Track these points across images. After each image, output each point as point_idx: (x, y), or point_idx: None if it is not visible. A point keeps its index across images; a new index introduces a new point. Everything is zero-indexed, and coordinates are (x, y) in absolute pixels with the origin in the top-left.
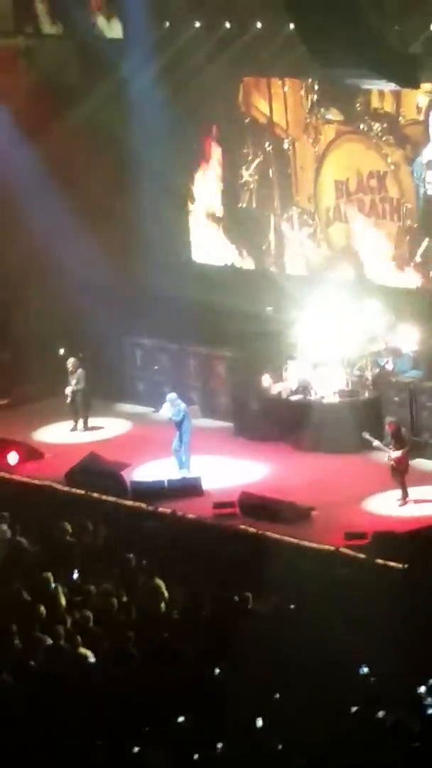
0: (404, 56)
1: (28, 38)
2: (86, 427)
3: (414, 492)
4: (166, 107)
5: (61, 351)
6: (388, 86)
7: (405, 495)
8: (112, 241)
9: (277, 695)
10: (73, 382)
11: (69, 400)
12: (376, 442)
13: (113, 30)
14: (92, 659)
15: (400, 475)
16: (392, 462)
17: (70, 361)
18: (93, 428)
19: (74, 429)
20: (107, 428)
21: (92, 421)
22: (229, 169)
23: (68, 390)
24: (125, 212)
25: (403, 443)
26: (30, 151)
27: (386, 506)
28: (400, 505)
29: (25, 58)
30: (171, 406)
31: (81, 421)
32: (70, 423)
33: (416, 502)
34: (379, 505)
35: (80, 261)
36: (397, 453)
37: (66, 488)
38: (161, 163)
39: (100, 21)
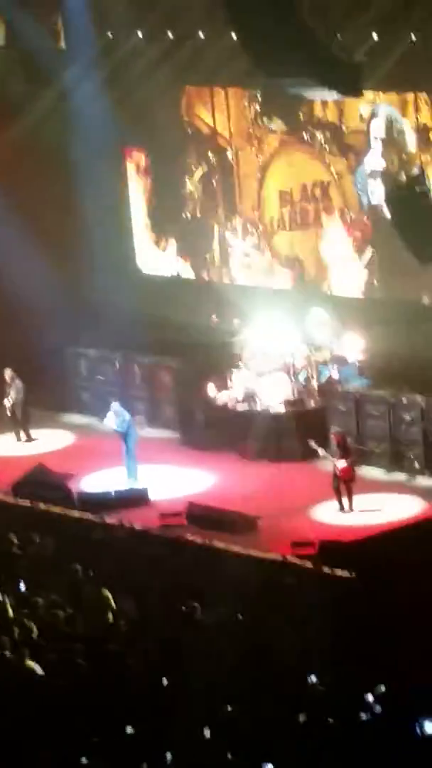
0: (347, 65)
1: None
2: (29, 438)
3: (360, 501)
4: (108, 118)
5: (7, 371)
6: (331, 95)
7: (350, 505)
8: (57, 253)
9: (227, 705)
10: (11, 394)
11: (9, 413)
12: (322, 452)
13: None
14: (39, 671)
15: (345, 484)
16: (338, 472)
17: (7, 373)
18: (36, 440)
19: (19, 440)
20: (53, 439)
21: (38, 433)
22: (165, 179)
23: (6, 402)
24: (69, 223)
25: (349, 453)
26: None
27: (333, 515)
28: (344, 513)
29: None
30: (115, 416)
31: (23, 433)
32: (13, 436)
33: (362, 511)
34: (325, 514)
35: (24, 273)
36: (343, 463)
37: (12, 500)
38: (104, 173)
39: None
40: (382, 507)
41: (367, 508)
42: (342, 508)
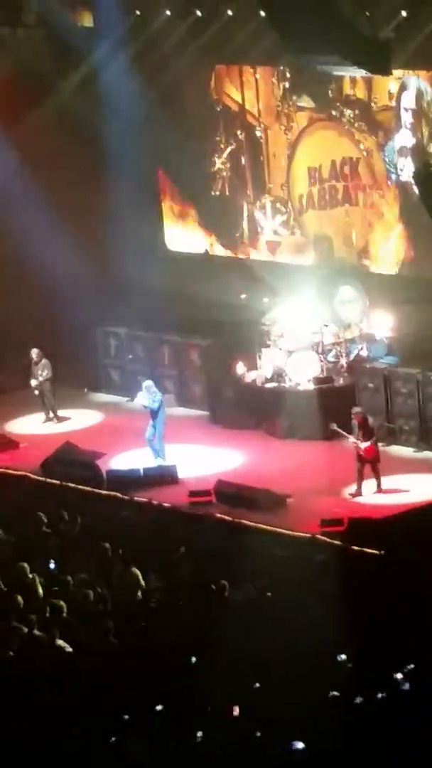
0: (375, 42)
1: (1, 28)
2: (57, 417)
3: (388, 481)
4: (138, 96)
5: (34, 351)
6: (359, 72)
7: (379, 485)
8: (86, 232)
9: (255, 683)
10: (38, 372)
11: (36, 392)
12: (344, 434)
13: (84, 18)
14: (69, 649)
15: (372, 464)
16: (361, 452)
17: (34, 352)
18: (66, 419)
19: (48, 420)
20: (82, 418)
21: (67, 412)
22: (193, 157)
23: (34, 382)
24: (98, 202)
25: (372, 433)
26: (2, 142)
27: (363, 493)
28: (375, 492)
29: None
30: (147, 394)
31: (51, 412)
32: (42, 415)
33: (389, 491)
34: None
35: (54, 251)
36: (366, 443)
37: (41, 478)
38: (134, 152)
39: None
40: (410, 487)
41: (395, 488)
42: (358, 492)
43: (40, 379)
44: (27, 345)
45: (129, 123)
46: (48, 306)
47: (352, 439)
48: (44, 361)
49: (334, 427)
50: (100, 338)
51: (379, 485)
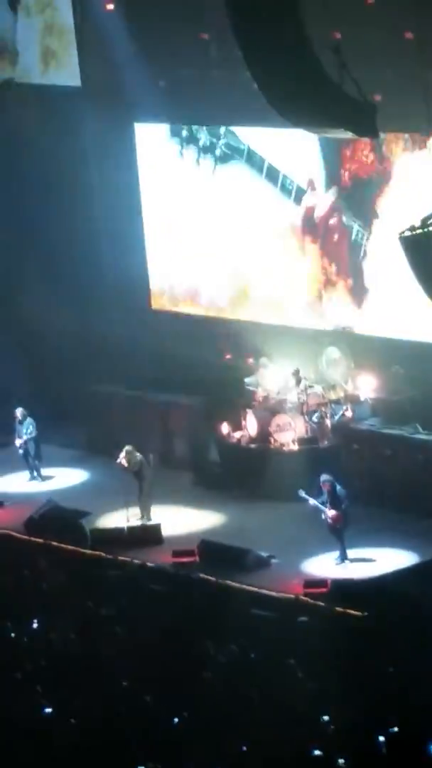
0: (362, 105)
1: None
2: (40, 475)
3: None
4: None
5: (18, 410)
6: (347, 135)
7: (343, 554)
8: (71, 291)
9: (239, 744)
10: (23, 431)
11: (21, 450)
12: (312, 501)
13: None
14: (49, 709)
15: (337, 532)
16: (329, 520)
17: (19, 411)
18: (51, 477)
19: (33, 479)
20: (67, 477)
21: (52, 470)
22: None
23: (18, 441)
24: (84, 259)
25: (339, 501)
26: None
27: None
28: (337, 565)
29: None
30: (127, 456)
31: (35, 470)
32: (27, 473)
33: (355, 561)
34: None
35: (38, 310)
36: (333, 512)
37: (25, 537)
38: (121, 210)
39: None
40: (374, 557)
41: (360, 558)
42: (344, 556)
43: (25, 437)
44: (11, 405)
45: (113, 183)
46: (33, 365)
47: (319, 506)
48: (29, 419)
49: (302, 494)
50: (84, 398)
51: (343, 554)
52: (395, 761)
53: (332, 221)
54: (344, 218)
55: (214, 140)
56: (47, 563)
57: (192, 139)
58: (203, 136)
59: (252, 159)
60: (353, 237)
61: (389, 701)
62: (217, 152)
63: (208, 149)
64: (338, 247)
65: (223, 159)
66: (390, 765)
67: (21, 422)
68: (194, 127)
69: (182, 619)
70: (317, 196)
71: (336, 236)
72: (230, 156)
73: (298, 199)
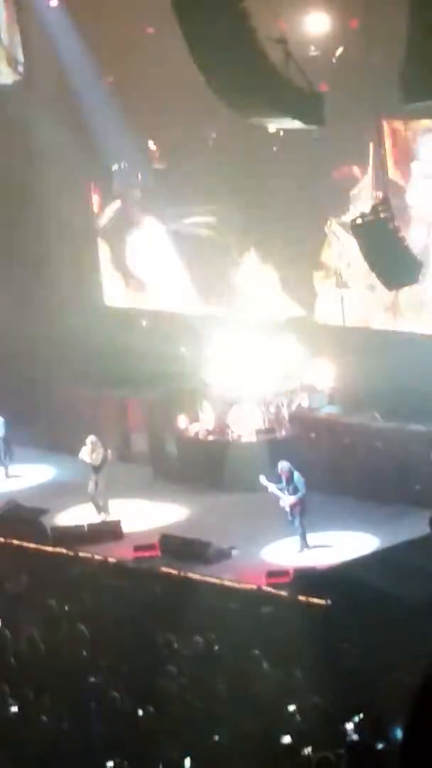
0: (309, 94)
1: None
2: (7, 476)
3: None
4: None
5: None
6: (294, 124)
7: (304, 542)
8: (26, 288)
9: (205, 735)
10: None
11: None
12: (271, 487)
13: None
14: (15, 708)
15: (297, 520)
16: (287, 507)
17: None
18: (17, 476)
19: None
20: (28, 475)
21: (15, 469)
22: None
23: None
24: (35, 257)
25: (296, 488)
26: None
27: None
28: (298, 552)
29: None
30: (91, 450)
31: (2, 469)
32: None
33: (318, 546)
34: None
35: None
36: (291, 498)
37: None
38: (70, 211)
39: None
40: (334, 544)
41: (321, 544)
42: (305, 543)
43: None
44: None
45: (61, 177)
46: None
47: (277, 492)
48: (0, 419)
49: (263, 481)
50: (44, 394)
51: (304, 541)
52: (362, 748)
53: None
54: None
55: None
56: (9, 562)
57: None
58: None
59: None
60: None
61: (354, 689)
62: None
63: None
64: None
65: None
66: (356, 752)
67: None
68: None
69: (146, 614)
70: None
71: None
72: None
73: None
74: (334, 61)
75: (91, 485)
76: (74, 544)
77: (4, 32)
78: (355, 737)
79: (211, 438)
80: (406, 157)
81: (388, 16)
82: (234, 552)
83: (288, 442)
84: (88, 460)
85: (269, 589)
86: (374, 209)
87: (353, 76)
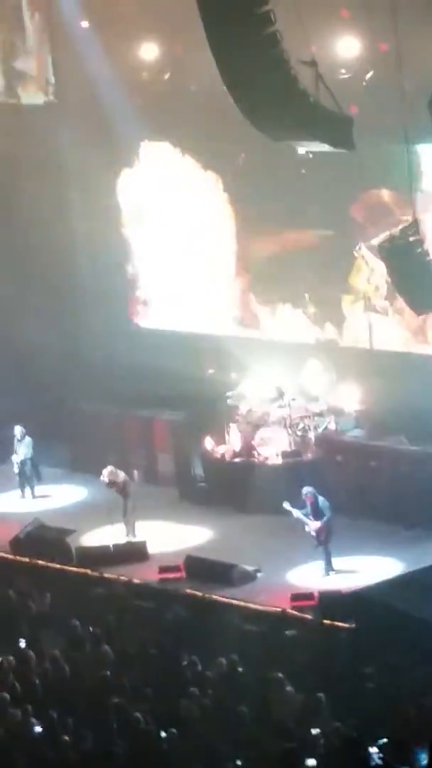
0: (339, 117)
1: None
2: (33, 496)
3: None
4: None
5: (17, 428)
6: (323, 147)
7: (329, 565)
8: (56, 309)
9: (228, 758)
10: (21, 450)
11: (17, 469)
12: (296, 512)
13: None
14: (38, 728)
15: (323, 545)
16: (312, 532)
17: (17, 429)
18: (46, 497)
19: (23, 497)
20: (54, 496)
21: (41, 489)
22: None
23: (15, 458)
24: (67, 277)
25: (321, 513)
26: None
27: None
28: (323, 576)
29: None
30: (110, 474)
31: (29, 490)
32: (18, 492)
33: (343, 571)
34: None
35: (28, 329)
36: (317, 523)
37: (10, 556)
38: (102, 231)
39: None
40: (360, 568)
41: (346, 569)
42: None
43: (23, 457)
44: (8, 422)
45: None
46: (28, 383)
47: (302, 518)
48: (27, 439)
49: (287, 506)
50: (71, 415)
51: (328, 566)
52: None
53: None
54: None
55: None
56: (33, 583)
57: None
58: None
59: None
60: None
61: (379, 713)
62: None
63: None
64: None
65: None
66: None
67: (20, 440)
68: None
69: (169, 636)
70: None
71: None
72: None
73: None
74: (364, 84)
75: (123, 508)
76: (99, 564)
77: (35, 53)
78: (379, 761)
79: (237, 460)
80: None
81: (419, 40)
82: (259, 574)
83: (314, 465)
84: (106, 481)
85: (294, 612)
86: (403, 232)
87: (383, 99)
